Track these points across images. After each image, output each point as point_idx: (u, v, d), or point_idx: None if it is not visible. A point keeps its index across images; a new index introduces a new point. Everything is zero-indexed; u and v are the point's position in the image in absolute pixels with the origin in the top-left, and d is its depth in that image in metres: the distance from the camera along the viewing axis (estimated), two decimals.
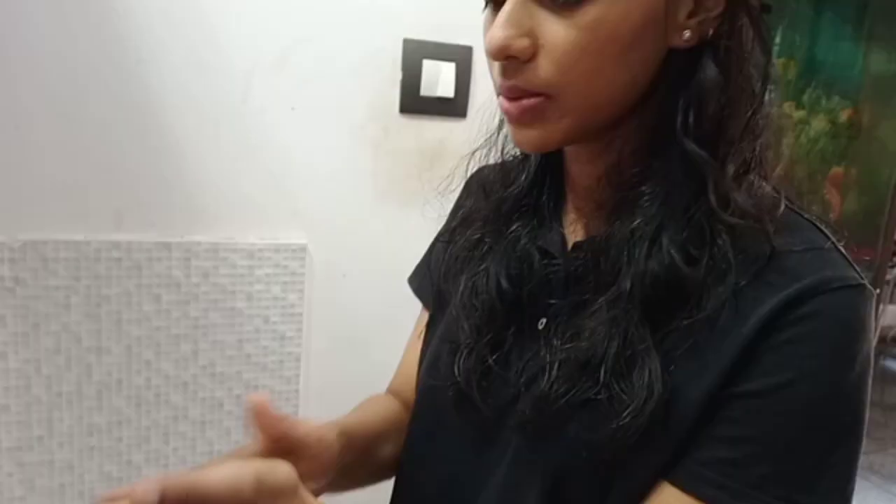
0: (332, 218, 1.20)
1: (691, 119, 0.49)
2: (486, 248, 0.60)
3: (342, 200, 1.20)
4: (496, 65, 0.50)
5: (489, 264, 0.59)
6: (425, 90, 1.20)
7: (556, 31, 0.47)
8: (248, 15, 1.09)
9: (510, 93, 0.49)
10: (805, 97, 1.74)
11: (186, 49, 1.07)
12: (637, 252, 0.49)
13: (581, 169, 0.57)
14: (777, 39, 1.68)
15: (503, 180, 0.62)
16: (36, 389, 1.07)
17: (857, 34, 1.77)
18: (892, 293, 3.46)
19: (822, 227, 0.52)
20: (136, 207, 1.08)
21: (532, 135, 0.50)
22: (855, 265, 0.50)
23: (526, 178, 0.60)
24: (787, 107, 1.72)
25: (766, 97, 0.51)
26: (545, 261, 0.57)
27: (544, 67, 0.47)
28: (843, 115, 1.81)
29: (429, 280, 0.71)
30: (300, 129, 1.15)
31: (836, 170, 1.88)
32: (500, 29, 0.47)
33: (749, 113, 0.50)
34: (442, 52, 1.20)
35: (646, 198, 0.50)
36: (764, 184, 0.51)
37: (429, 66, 1.20)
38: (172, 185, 1.10)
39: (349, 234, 1.21)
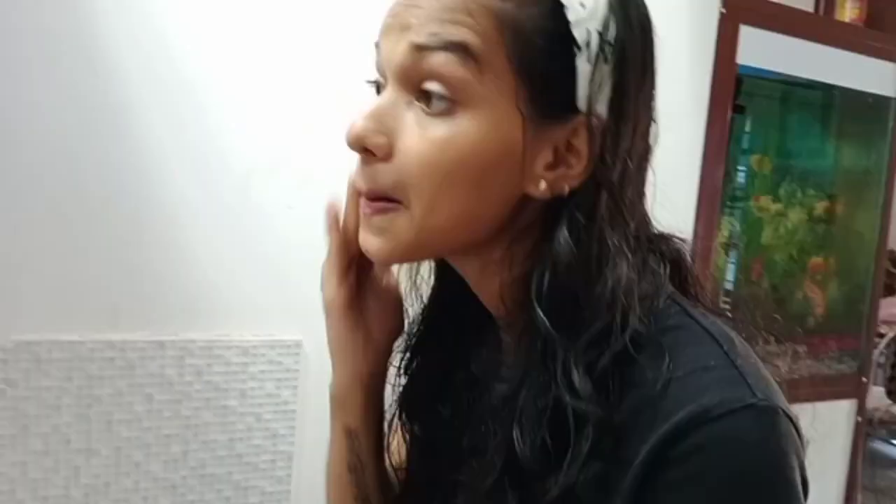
0: None
1: (545, 286, 0.48)
2: (416, 364, 0.62)
3: None
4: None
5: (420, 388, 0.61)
6: None
7: (411, 138, 0.47)
8: (247, 117, 1.13)
9: (361, 181, 0.50)
10: (781, 191, 1.80)
11: (186, 149, 1.10)
12: (499, 429, 0.48)
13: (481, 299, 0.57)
14: (747, 129, 1.75)
15: (433, 299, 0.63)
16: (21, 493, 1.04)
17: (825, 131, 1.86)
18: (876, 375, 3.48)
19: (718, 336, 0.47)
20: (133, 307, 1.09)
21: (377, 243, 0.50)
22: (751, 379, 0.45)
23: (449, 295, 0.61)
24: (765, 200, 1.78)
25: (624, 270, 0.47)
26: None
27: (393, 171, 0.48)
28: (819, 207, 1.87)
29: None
30: (296, 227, 1.17)
31: (816, 259, 1.92)
32: (363, 120, 0.48)
33: (601, 289, 0.47)
34: None
35: (508, 367, 0.50)
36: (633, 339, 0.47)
37: None
38: (169, 283, 1.10)
39: None
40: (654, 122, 0.52)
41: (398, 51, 0.48)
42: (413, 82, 0.47)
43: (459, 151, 0.47)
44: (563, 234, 0.48)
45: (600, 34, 0.47)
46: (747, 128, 1.72)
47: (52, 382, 1.05)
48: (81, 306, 1.06)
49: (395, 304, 0.62)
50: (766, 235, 1.79)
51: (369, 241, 0.51)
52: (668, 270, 0.52)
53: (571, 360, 0.46)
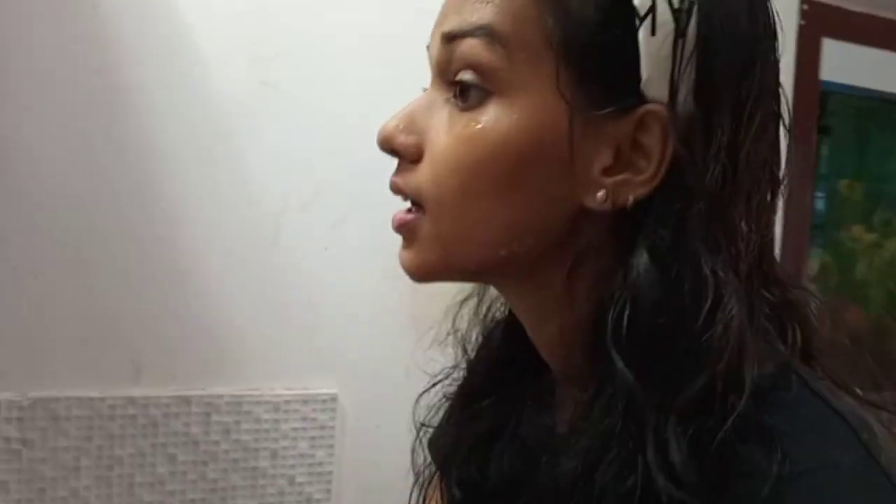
0: (364, 365, 1.11)
1: (624, 328, 0.37)
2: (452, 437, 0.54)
3: (376, 346, 1.11)
4: None
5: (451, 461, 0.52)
6: None
7: (438, 135, 0.42)
8: (278, 156, 1.06)
9: (393, 188, 0.44)
10: (875, 219, 1.64)
11: (215, 190, 1.04)
12: None
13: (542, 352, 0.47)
14: (834, 152, 1.59)
15: (481, 345, 0.56)
16: None
17: None
18: None
19: (851, 421, 0.36)
20: (156, 359, 1.02)
21: (407, 255, 0.44)
22: None
23: (499, 341, 0.53)
24: (857, 230, 1.62)
25: (733, 307, 0.36)
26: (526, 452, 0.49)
27: (420, 172, 0.43)
28: None
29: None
30: (332, 270, 1.09)
31: None
32: (393, 119, 0.44)
33: (703, 332, 0.36)
34: None
35: (579, 438, 0.38)
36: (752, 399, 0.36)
37: None
38: (194, 334, 1.03)
39: (383, 382, 1.11)
40: (784, 125, 0.41)
41: (435, 46, 0.44)
42: (448, 77, 0.42)
43: (487, 145, 0.40)
44: (643, 260, 0.38)
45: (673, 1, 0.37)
46: (834, 150, 1.56)
47: (71, 442, 0.98)
48: (101, 360, 0.99)
49: None
50: (861, 269, 1.61)
51: (402, 254, 0.45)
52: (788, 330, 0.41)
53: (668, 428, 0.35)
